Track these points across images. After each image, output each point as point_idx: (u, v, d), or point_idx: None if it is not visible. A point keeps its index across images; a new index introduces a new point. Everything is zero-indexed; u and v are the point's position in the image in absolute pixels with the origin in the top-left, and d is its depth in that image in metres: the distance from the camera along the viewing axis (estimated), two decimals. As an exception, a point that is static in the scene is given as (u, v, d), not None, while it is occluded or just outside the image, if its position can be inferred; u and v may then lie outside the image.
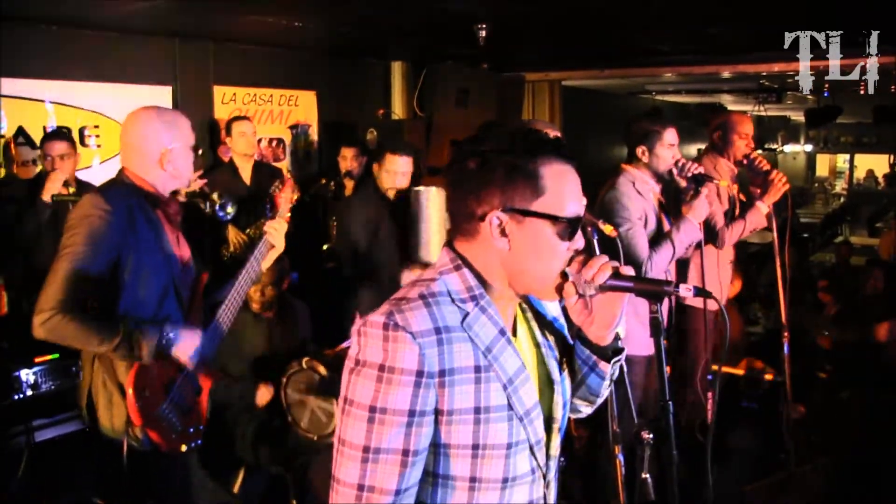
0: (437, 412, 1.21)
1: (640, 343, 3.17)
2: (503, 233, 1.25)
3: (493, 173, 1.24)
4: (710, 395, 3.59)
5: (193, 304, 2.45)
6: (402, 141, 4.75)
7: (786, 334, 3.56)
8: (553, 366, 1.38)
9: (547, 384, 1.37)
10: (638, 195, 3.26)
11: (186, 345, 2.28)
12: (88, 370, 2.32)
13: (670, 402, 1.31)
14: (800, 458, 3.56)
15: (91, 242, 2.16)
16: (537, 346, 1.39)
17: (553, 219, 1.24)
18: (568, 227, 1.26)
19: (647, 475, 1.38)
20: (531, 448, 1.29)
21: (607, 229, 2.68)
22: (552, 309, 1.45)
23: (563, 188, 1.26)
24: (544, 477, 1.34)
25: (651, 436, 1.35)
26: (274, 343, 3.54)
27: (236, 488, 3.43)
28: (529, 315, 1.41)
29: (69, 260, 2.14)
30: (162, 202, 2.39)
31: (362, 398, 1.19)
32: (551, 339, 1.42)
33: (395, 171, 3.74)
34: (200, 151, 4.25)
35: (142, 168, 2.35)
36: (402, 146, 3.90)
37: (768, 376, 4.76)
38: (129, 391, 2.20)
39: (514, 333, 1.34)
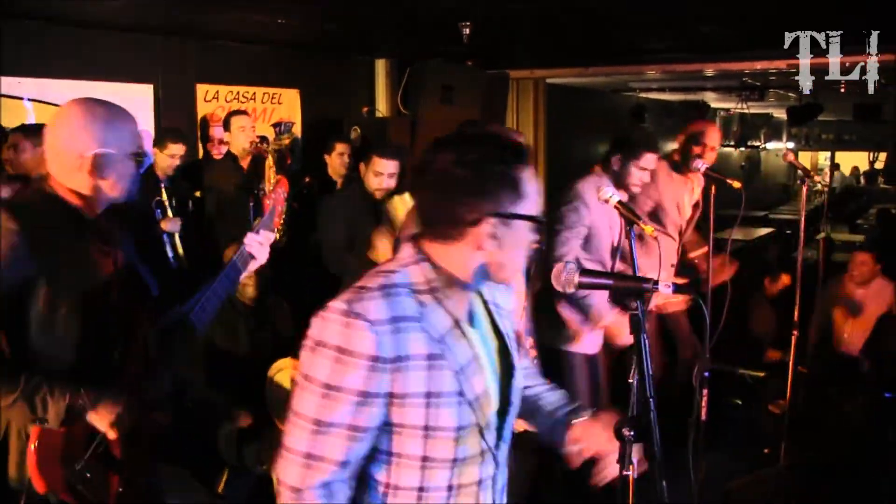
0: (391, 395, 1.29)
1: (586, 342, 3.23)
2: (492, 236, 1.32)
3: (485, 182, 1.31)
4: (705, 392, 3.61)
5: (130, 344, 2.00)
6: (390, 143, 4.78)
7: (795, 332, 3.62)
8: (514, 353, 1.48)
9: (506, 371, 1.46)
10: (599, 204, 3.25)
11: (106, 410, 1.85)
12: (5, 410, 1.88)
13: (651, 399, 1.32)
14: (784, 454, 3.59)
15: None
16: (499, 334, 1.48)
17: (533, 219, 1.34)
18: (539, 224, 1.37)
19: (629, 472, 1.39)
20: (480, 431, 1.37)
21: (648, 230, 2.69)
22: (506, 302, 1.54)
23: (534, 190, 1.36)
24: (495, 458, 1.42)
25: (632, 433, 1.36)
26: (257, 342, 3.53)
27: (221, 488, 3.42)
28: (491, 307, 1.50)
29: None
30: (89, 218, 1.96)
31: (318, 375, 1.27)
32: (510, 328, 1.51)
33: (382, 174, 3.80)
34: (177, 153, 4.27)
35: (62, 175, 1.91)
36: (389, 149, 3.95)
37: (759, 373, 4.82)
38: (31, 448, 1.81)
39: (473, 324, 1.42)
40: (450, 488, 1.36)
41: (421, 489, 1.34)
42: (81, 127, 1.89)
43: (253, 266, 2.20)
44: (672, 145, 4.31)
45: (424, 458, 1.33)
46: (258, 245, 2.18)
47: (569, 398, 1.65)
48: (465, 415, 1.34)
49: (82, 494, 1.90)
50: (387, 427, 1.31)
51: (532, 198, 1.34)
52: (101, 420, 1.86)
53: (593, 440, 1.52)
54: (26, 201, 1.96)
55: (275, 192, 2.35)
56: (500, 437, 1.43)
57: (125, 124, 1.97)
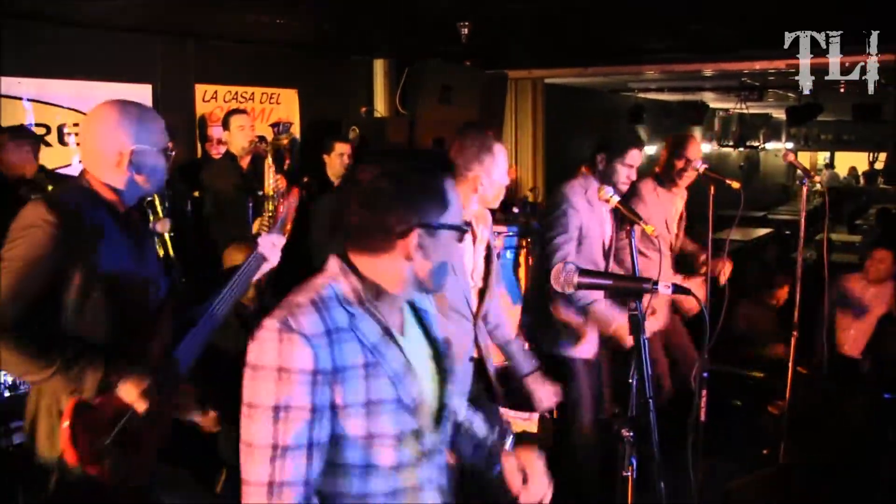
0: (334, 406, 1.30)
1: (585, 346, 3.22)
2: (419, 246, 1.34)
3: (412, 193, 1.34)
4: (703, 392, 3.62)
5: (156, 330, 2.14)
6: (386, 144, 4.77)
7: (794, 333, 3.61)
8: (448, 358, 1.52)
9: (439, 374, 1.49)
10: (587, 205, 3.24)
11: (134, 385, 1.96)
12: (34, 390, 2.07)
13: (650, 400, 1.31)
14: (784, 454, 3.59)
15: (30, 258, 1.91)
16: (431, 341, 1.51)
17: (457, 228, 1.38)
18: (463, 233, 1.41)
19: (628, 473, 1.38)
20: (419, 434, 1.39)
21: (648, 229, 2.68)
22: (430, 307, 1.57)
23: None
24: (435, 461, 1.45)
25: (631, 434, 1.35)
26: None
27: (219, 488, 3.41)
28: (422, 314, 1.53)
29: (5, 277, 1.90)
30: (121, 212, 2.11)
31: (264, 400, 1.27)
32: (441, 333, 1.54)
33: None
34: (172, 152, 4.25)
35: (100, 171, 2.07)
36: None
37: (758, 374, 4.81)
38: (65, 425, 1.91)
39: (403, 332, 1.45)
40: (394, 493, 1.37)
41: (365, 495, 1.35)
42: (118, 125, 2.05)
43: (265, 268, 2.31)
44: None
45: (368, 466, 1.34)
46: (271, 246, 2.29)
47: (492, 422, 1.69)
48: (404, 420, 1.36)
49: (106, 469, 1.97)
50: (333, 438, 1.32)
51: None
52: (130, 392, 1.96)
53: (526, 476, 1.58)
54: (66, 195, 2.12)
55: (288, 199, 2.45)
56: (438, 440, 1.46)
57: (156, 122, 2.14)
